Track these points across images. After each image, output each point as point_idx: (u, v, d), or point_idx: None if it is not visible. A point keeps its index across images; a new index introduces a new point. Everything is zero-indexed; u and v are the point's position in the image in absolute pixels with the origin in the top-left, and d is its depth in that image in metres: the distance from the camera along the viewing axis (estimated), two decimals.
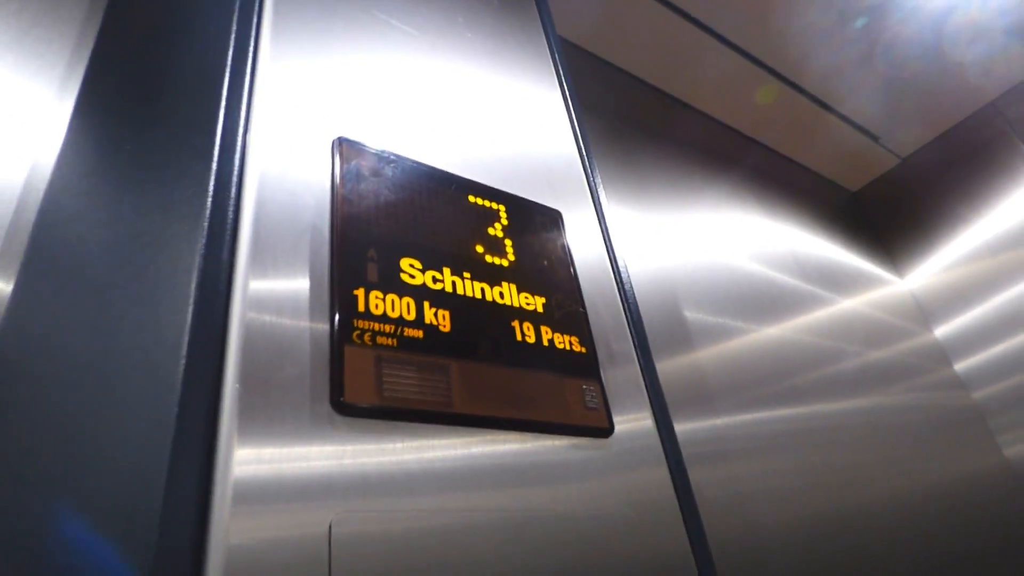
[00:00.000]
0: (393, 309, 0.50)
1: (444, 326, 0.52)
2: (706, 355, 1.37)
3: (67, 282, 0.48)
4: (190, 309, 0.43)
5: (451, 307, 0.53)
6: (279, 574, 0.37)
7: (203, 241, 0.46)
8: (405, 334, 0.49)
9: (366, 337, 0.47)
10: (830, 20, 1.53)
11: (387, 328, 0.49)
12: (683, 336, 1.35)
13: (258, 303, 0.45)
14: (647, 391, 0.67)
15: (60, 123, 0.58)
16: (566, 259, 0.68)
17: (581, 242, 0.74)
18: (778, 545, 1.17)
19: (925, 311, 2.12)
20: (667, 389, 0.72)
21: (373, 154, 0.59)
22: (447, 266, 0.56)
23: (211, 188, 0.49)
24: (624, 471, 0.58)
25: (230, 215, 0.49)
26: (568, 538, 0.50)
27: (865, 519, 1.38)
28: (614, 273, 0.75)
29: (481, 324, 0.55)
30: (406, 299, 0.51)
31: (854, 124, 1.85)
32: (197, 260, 0.45)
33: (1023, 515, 1.78)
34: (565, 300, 0.63)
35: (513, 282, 0.60)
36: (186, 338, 0.42)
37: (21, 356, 0.45)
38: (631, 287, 0.77)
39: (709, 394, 1.30)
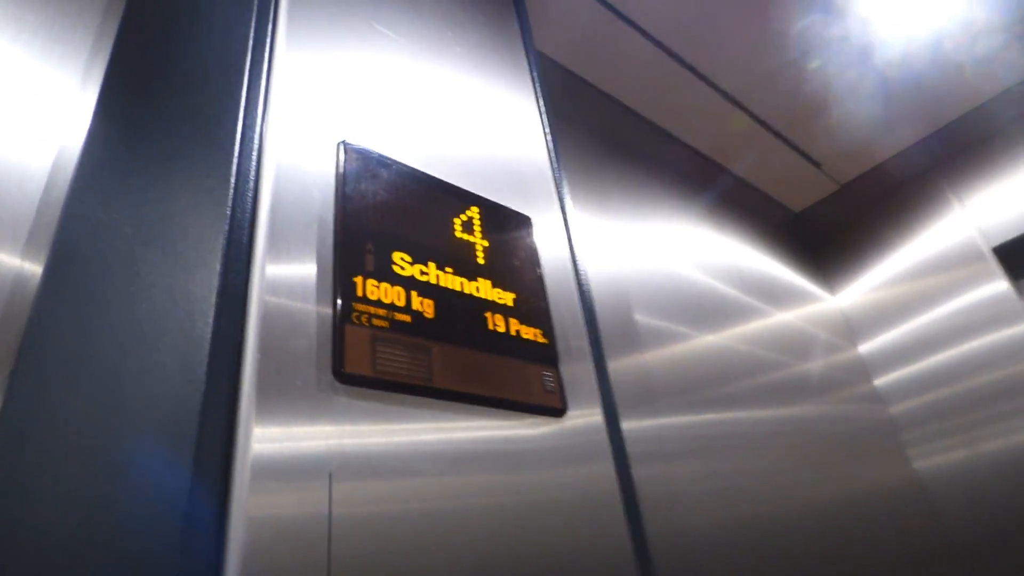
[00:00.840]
0: (386, 296, 0.58)
1: (428, 313, 0.60)
2: (652, 357, 1.45)
3: (98, 256, 0.54)
4: (216, 282, 0.50)
5: (434, 297, 0.62)
6: (287, 505, 0.45)
7: (226, 226, 0.54)
8: (396, 318, 0.57)
9: (363, 319, 0.55)
10: (787, 58, 1.67)
11: (381, 312, 0.57)
12: (633, 337, 1.43)
13: (274, 284, 0.53)
14: (599, 388, 0.76)
15: (85, 110, 0.64)
16: (534, 260, 0.77)
17: (548, 245, 0.83)
18: (709, 545, 1.25)
19: (852, 328, 2.27)
20: (615, 387, 0.81)
21: (372, 158, 0.66)
22: (432, 261, 0.64)
23: (233, 178, 0.56)
24: (575, 462, 0.67)
25: (249, 203, 0.56)
26: (521, 517, 0.59)
27: (789, 524, 1.47)
28: (575, 275, 0.85)
29: (459, 313, 0.63)
30: (397, 288, 0.59)
31: (800, 151, 2.01)
32: (221, 242, 0.53)
33: (925, 523, 1.92)
34: (531, 297, 0.72)
35: (488, 278, 0.68)
36: (213, 308, 0.49)
37: (59, 326, 0.51)
38: (589, 290, 0.86)
39: (653, 394, 1.38)
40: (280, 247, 0.55)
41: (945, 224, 2.11)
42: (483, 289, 0.67)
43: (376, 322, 0.56)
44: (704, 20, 1.54)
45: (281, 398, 0.48)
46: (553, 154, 0.98)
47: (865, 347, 2.23)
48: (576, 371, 0.74)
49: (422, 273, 0.62)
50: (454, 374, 0.59)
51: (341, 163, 0.63)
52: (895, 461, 2.05)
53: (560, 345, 0.73)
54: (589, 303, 0.84)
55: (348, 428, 0.51)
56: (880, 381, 2.19)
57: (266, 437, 0.46)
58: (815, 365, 1.99)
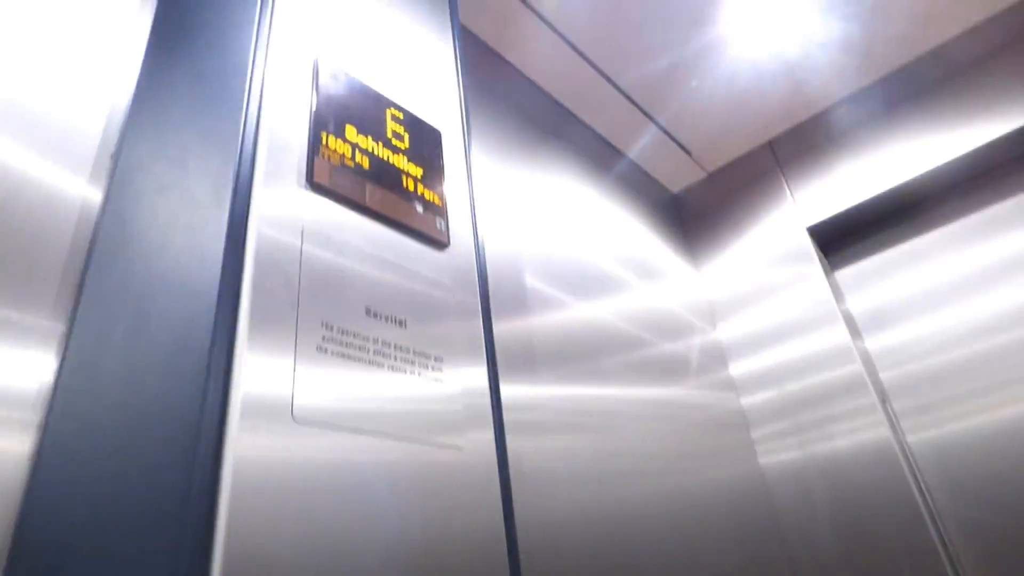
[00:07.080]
0: (339, 148, 1.01)
1: (365, 165, 1.03)
2: (537, 323, 1.60)
3: (143, 181, 0.84)
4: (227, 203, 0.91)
5: (369, 157, 1.05)
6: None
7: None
8: (345, 161, 1.00)
9: (325, 154, 0.98)
10: (666, 63, 2.22)
11: (336, 155, 0.99)
12: (521, 300, 1.59)
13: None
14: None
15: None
16: (439, 160, 1.21)
17: (451, 163, 1.26)
18: (572, 527, 1.38)
19: (714, 311, 2.51)
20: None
21: (336, 70, 1.09)
22: (370, 135, 1.07)
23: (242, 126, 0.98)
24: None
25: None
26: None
27: (642, 511, 1.61)
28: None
29: (386, 171, 1.07)
30: (347, 145, 1.02)
31: (675, 139, 2.57)
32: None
33: (766, 520, 2.08)
34: (434, 179, 1.17)
35: (406, 156, 1.12)
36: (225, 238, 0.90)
37: (112, 241, 0.75)
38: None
39: (534, 361, 1.54)
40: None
41: (780, 215, 2.59)
42: (403, 162, 1.11)
43: (333, 158, 0.99)
44: (601, 18, 2.06)
45: (274, 179, 0.90)
46: (464, 115, 1.42)
47: (723, 331, 2.47)
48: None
49: (364, 141, 1.06)
50: (377, 202, 1.03)
51: (317, 74, 1.06)
52: (746, 455, 2.20)
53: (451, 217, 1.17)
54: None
55: (313, 216, 0.93)
56: (734, 369, 2.40)
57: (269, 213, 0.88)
58: (682, 346, 2.16)
